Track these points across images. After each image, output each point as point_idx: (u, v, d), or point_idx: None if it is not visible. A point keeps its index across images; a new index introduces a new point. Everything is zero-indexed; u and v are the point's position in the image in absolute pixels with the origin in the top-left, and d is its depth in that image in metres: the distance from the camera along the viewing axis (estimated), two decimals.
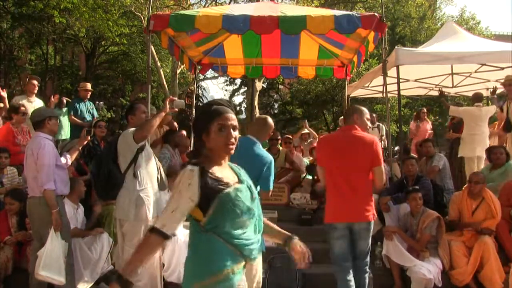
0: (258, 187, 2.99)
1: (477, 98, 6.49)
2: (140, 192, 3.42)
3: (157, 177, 3.68)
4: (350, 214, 3.34)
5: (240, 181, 1.93)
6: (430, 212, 4.36)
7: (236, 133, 1.90)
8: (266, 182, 3.13)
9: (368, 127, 3.56)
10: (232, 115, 1.90)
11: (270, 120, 3.45)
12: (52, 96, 6.31)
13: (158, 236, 1.79)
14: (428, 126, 7.77)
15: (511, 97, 5.84)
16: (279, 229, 2.15)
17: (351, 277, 3.38)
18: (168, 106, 3.68)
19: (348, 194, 3.31)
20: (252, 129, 3.40)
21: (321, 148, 3.64)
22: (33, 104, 5.95)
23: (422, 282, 3.98)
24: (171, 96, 3.84)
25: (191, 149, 6.53)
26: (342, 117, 9.03)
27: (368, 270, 3.53)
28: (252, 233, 1.92)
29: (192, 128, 1.98)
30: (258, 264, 1.98)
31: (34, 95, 6.19)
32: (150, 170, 3.57)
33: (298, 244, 2.05)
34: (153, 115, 3.64)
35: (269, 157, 3.21)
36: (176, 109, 4.06)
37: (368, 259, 3.52)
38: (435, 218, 4.29)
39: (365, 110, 3.54)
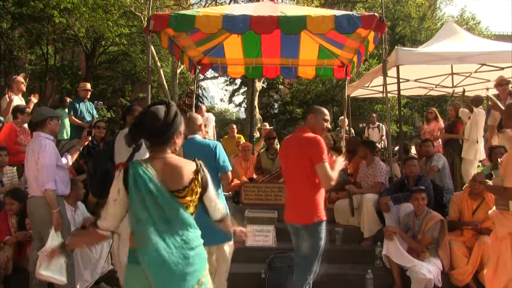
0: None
1: (477, 100, 6.51)
2: None
3: None
4: (292, 215, 3.35)
5: None
6: (434, 214, 4.34)
7: None
8: (223, 164, 3.36)
9: (325, 128, 3.46)
10: None
11: (192, 114, 3.72)
12: (32, 95, 6.29)
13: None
14: (435, 126, 7.62)
15: (503, 98, 5.84)
16: None
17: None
18: None
19: (292, 196, 3.34)
20: (188, 129, 3.50)
21: (280, 149, 3.72)
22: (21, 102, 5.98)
23: (422, 282, 3.98)
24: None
25: None
26: (342, 117, 9.05)
27: (307, 276, 3.27)
28: None
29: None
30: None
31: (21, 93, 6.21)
32: None
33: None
34: None
35: (214, 142, 3.47)
36: None
37: (310, 267, 3.27)
38: (439, 221, 4.28)
39: (323, 110, 3.41)
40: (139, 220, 1.94)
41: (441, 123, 7.43)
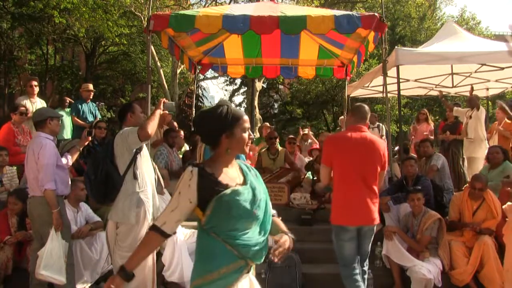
0: None
1: (472, 102, 6.53)
2: (140, 193, 3.30)
3: (155, 178, 3.61)
4: (362, 217, 3.35)
5: (245, 182, 1.94)
6: (432, 213, 4.35)
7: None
8: None
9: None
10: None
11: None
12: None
13: (157, 233, 1.85)
14: (427, 127, 7.75)
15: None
16: (284, 228, 2.11)
17: (358, 277, 3.41)
18: (162, 106, 3.62)
19: (362, 196, 3.31)
20: None
21: (331, 148, 3.50)
22: (35, 105, 5.96)
23: (422, 282, 3.98)
24: (163, 99, 3.80)
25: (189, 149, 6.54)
26: (342, 117, 9.05)
27: (368, 269, 3.61)
28: (256, 234, 1.92)
29: (204, 129, 1.96)
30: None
31: (35, 95, 6.19)
32: (149, 171, 3.48)
33: (284, 238, 1.99)
34: (150, 115, 3.56)
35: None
36: (167, 112, 4.01)
37: (367, 259, 3.62)
38: (437, 219, 4.29)
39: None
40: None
41: (432, 126, 7.58)
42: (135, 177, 3.30)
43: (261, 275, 4.19)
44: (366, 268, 3.58)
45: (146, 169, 3.44)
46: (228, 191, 1.84)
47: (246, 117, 1.95)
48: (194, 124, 2.11)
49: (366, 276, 3.56)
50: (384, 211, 4.77)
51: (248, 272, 1.94)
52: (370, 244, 3.54)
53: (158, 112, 3.49)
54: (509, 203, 3.31)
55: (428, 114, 7.94)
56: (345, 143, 3.41)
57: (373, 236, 3.50)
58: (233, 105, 1.98)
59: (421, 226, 4.30)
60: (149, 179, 3.46)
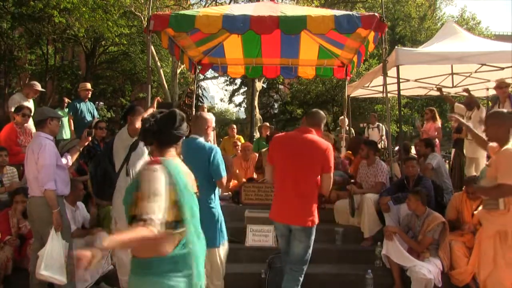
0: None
1: (470, 104, 6.52)
2: None
3: None
4: (289, 216, 3.36)
5: None
6: (436, 215, 4.33)
7: None
8: (216, 171, 3.34)
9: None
10: None
11: (203, 115, 3.64)
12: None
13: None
14: (432, 126, 7.64)
15: (502, 100, 5.84)
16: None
17: (287, 273, 3.47)
18: (155, 105, 3.82)
19: (292, 196, 3.31)
20: (194, 128, 3.52)
21: (275, 146, 3.56)
22: (28, 105, 5.96)
23: (422, 282, 3.98)
24: (158, 98, 3.96)
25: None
26: (342, 117, 9.06)
27: (299, 278, 3.42)
28: None
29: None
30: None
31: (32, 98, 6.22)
32: None
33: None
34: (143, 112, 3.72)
35: (212, 147, 3.41)
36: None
37: (302, 266, 3.43)
38: (440, 223, 4.27)
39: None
40: None
41: (438, 123, 7.44)
42: (127, 174, 3.48)
43: (261, 275, 4.20)
44: (297, 273, 3.41)
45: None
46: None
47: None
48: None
49: (296, 284, 3.40)
50: (384, 211, 4.77)
51: None
52: (305, 250, 3.39)
53: (150, 110, 3.66)
54: (480, 208, 3.30)
55: (435, 112, 7.79)
56: (286, 143, 3.45)
57: (307, 238, 3.37)
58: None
59: (423, 227, 4.29)
60: None
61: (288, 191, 3.34)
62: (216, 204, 3.47)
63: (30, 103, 6.04)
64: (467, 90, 6.62)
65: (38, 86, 6.14)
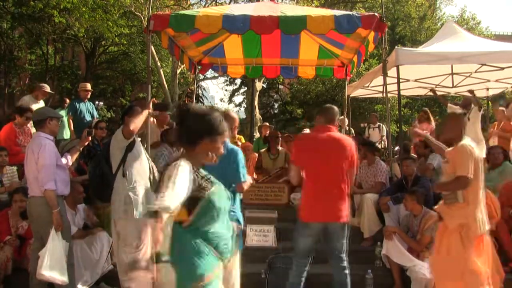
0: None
1: (467, 104, 6.52)
2: (129, 191, 3.44)
3: (150, 177, 3.67)
4: (327, 214, 3.41)
5: (211, 181, 2.00)
6: (432, 213, 4.31)
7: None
8: (237, 174, 3.19)
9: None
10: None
11: (231, 114, 3.56)
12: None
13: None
14: (427, 127, 7.71)
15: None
16: None
17: (305, 273, 3.55)
18: (151, 106, 3.84)
19: (327, 194, 3.37)
20: None
21: (300, 148, 3.61)
22: (38, 106, 5.99)
23: (422, 282, 3.98)
24: (154, 99, 3.93)
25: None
26: (342, 117, 9.05)
27: (347, 266, 3.56)
28: (225, 231, 2.00)
29: (189, 129, 2.01)
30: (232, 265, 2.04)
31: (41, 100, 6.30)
32: (141, 169, 3.58)
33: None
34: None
35: (235, 149, 3.26)
36: (167, 112, 4.10)
37: (345, 256, 3.56)
38: (437, 220, 4.28)
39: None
40: None
41: (433, 125, 7.51)
42: (124, 175, 3.46)
43: (261, 275, 4.20)
44: (344, 263, 3.54)
45: (138, 168, 3.55)
46: (214, 189, 1.90)
47: (226, 133, 2.07)
48: (182, 118, 2.07)
49: (347, 272, 3.53)
50: (384, 211, 4.77)
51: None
52: (344, 241, 3.51)
53: (146, 112, 3.68)
54: (440, 203, 3.40)
55: (429, 113, 7.88)
56: (312, 143, 3.51)
57: (345, 233, 3.49)
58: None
59: (421, 227, 4.30)
60: (141, 177, 3.56)
61: (322, 190, 3.40)
62: (236, 209, 3.27)
63: (40, 104, 6.10)
64: (471, 91, 6.63)
65: (47, 88, 6.26)
